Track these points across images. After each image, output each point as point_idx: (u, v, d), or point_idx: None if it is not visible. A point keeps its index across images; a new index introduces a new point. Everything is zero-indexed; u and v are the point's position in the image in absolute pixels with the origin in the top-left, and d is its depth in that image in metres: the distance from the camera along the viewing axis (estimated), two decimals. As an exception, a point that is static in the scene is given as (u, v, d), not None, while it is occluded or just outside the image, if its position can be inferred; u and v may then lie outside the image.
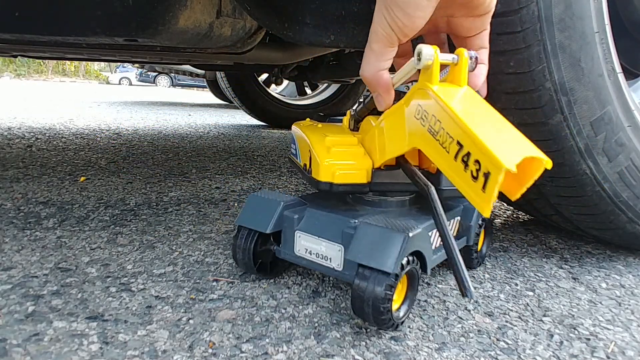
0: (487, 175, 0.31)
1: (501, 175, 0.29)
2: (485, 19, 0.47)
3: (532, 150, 0.31)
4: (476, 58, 0.40)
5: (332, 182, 0.48)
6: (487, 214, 0.32)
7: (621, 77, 0.56)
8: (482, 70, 0.45)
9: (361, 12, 0.61)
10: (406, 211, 0.53)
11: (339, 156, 0.49)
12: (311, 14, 0.61)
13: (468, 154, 0.33)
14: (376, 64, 0.44)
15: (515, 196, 0.32)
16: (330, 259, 0.47)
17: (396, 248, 0.41)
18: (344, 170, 0.48)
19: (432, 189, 0.42)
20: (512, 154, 0.30)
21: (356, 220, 0.47)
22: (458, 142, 0.34)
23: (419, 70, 0.40)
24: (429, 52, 0.38)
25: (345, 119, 0.58)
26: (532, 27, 0.51)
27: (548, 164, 0.30)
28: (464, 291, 0.37)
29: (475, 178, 0.32)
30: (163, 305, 0.47)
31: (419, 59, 0.38)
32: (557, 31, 0.51)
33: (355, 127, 0.55)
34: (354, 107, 0.56)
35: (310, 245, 0.49)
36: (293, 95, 2.84)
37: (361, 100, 0.54)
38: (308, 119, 0.63)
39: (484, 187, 0.31)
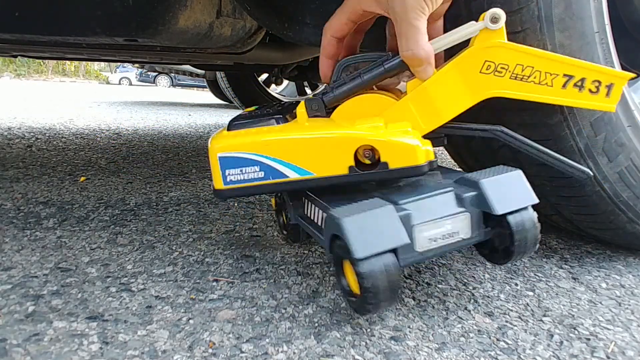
0: (610, 87, 0.48)
1: (625, 83, 0.48)
2: (445, 6, 0.50)
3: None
4: None
5: (430, 160, 0.46)
6: (613, 110, 0.49)
7: (621, 77, 0.56)
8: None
9: (361, 12, 0.61)
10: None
11: (416, 135, 0.47)
12: (311, 14, 0.61)
13: (582, 79, 0.48)
14: (424, 37, 0.46)
15: (613, 107, 0.49)
16: (457, 232, 0.45)
17: (526, 183, 0.46)
18: (429, 146, 0.47)
19: (503, 128, 0.50)
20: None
21: (448, 189, 0.46)
22: (565, 75, 0.48)
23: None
24: (504, 14, 0.46)
25: (301, 110, 0.51)
26: (532, 27, 0.51)
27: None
28: (576, 171, 0.49)
29: (595, 92, 0.48)
30: (163, 305, 0.47)
31: (495, 22, 0.46)
32: (557, 31, 0.51)
33: (326, 114, 0.51)
34: (316, 95, 0.52)
35: (432, 233, 0.44)
36: (293, 95, 2.83)
37: (325, 89, 0.52)
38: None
39: (607, 94, 0.48)
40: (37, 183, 0.96)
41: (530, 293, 0.55)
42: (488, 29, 0.47)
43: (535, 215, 0.46)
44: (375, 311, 0.41)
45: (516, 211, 0.45)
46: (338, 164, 0.46)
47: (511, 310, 0.50)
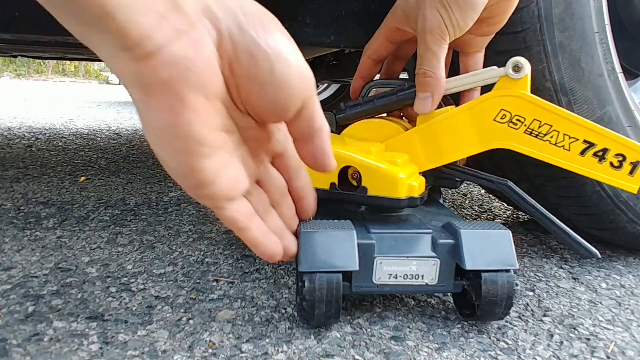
0: (636, 165, 0.45)
1: None
2: (486, 39, 0.47)
3: None
4: None
5: (412, 195, 0.45)
6: (635, 191, 0.45)
7: (621, 77, 0.56)
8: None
9: (361, 12, 0.61)
10: (414, 211, 0.51)
11: (406, 168, 0.46)
12: (311, 14, 0.61)
13: (605, 150, 0.45)
14: (439, 64, 0.44)
15: (635, 189, 0.46)
16: (422, 276, 0.43)
17: (511, 245, 0.43)
18: (416, 182, 0.45)
19: (509, 182, 0.48)
20: None
21: (427, 231, 0.45)
22: (585, 141, 0.45)
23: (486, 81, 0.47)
24: (528, 64, 0.44)
25: None
26: (532, 27, 0.51)
27: None
28: (587, 253, 0.44)
29: (617, 167, 0.45)
30: (163, 305, 0.47)
31: (517, 71, 0.44)
32: (557, 31, 0.51)
33: (336, 130, 0.53)
34: (336, 112, 0.53)
35: (395, 269, 0.43)
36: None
37: (345, 105, 0.53)
38: None
39: (631, 172, 0.45)
40: (37, 183, 0.96)
41: (530, 293, 0.55)
42: (509, 77, 0.45)
43: (513, 279, 0.42)
44: (312, 323, 0.43)
45: (492, 271, 0.42)
46: (322, 177, 0.47)
47: (511, 310, 0.50)
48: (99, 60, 1.90)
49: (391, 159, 0.46)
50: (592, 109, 0.54)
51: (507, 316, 0.49)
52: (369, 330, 0.44)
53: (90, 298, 0.47)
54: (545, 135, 0.45)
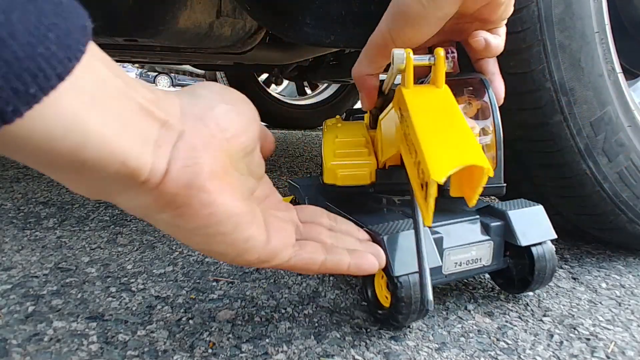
0: (426, 185, 0.29)
1: (434, 187, 0.28)
2: (498, 32, 0.43)
3: (469, 159, 0.28)
4: (453, 57, 0.38)
5: (335, 183, 0.48)
6: (428, 224, 0.31)
7: (621, 77, 0.56)
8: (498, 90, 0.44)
9: (361, 12, 0.61)
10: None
11: (343, 157, 0.49)
12: (311, 14, 0.61)
13: (418, 162, 0.31)
14: (364, 68, 0.44)
15: (471, 202, 0.31)
16: (480, 259, 0.47)
17: (546, 218, 0.48)
18: (347, 172, 0.48)
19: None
20: (448, 164, 0.28)
21: (475, 217, 0.48)
22: (415, 149, 0.32)
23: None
24: (400, 55, 0.36)
25: (366, 117, 0.56)
26: (532, 27, 0.51)
27: (489, 171, 0.28)
28: (423, 300, 0.37)
29: (422, 186, 0.31)
30: (163, 305, 0.47)
31: (392, 63, 0.36)
32: (557, 31, 0.51)
33: (374, 125, 0.53)
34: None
35: (459, 257, 0.46)
36: (293, 95, 2.83)
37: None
38: (337, 117, 0.61)
39: (425, 196, 0.29)
40: (37, 183, 0.96)
41: (530, 293, 0.55)
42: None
43: (553, 249, 0.47)
44: (405, 322, 0.43)
45: (538, 244, 0.47)
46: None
47: (511, 310, 0.50)
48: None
49: (345, 153, 0.49)
50: (592, 109, 0.54)
51: (507, 316, 0.49)
52: (369, 330, 0.44)
53: (90, 298, 0.47)
54: (407, 137, 0.36)
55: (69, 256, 0.58)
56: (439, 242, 0.44)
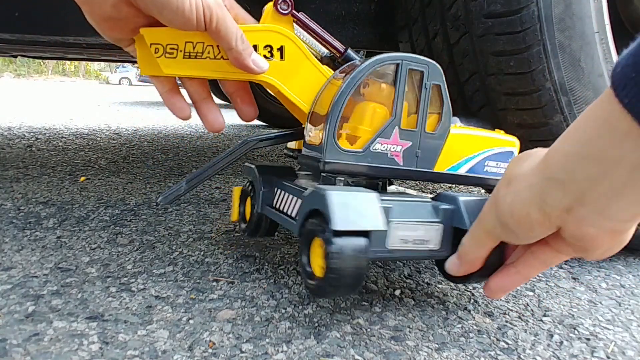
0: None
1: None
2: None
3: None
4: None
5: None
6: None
7: (621, 77, 0.56)
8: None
9: (361, 12, 0.61)
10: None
11: None
12: (311, 14, 0.61)
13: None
14: (472, 250, 0.42)
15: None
16: (428, 241, 0.45)
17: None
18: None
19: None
20: None
21: (427, 199, 0.47)
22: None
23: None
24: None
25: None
26: (532, 27, 0.51)
27: None
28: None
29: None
30: (163, 305, 0.47)
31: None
32: (557, 31, 0.51)
33: None
34: None
35: (406, 234, 0.44)
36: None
37: None
38: None
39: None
40: (37, 183, 0.96)
41: (530, 293, 0.55)
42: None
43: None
44: (333, 295, 0.41)
45: None
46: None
47: (511, 310, 0.50)
48: (99, 60, 1.90)
49: None
50: (592, 109, 0.54)
51: (507, 316, 0.49)
52: (369, 330, 0.44)
53: (90, 298, 0.47)
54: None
55: (69, 256, 0.58)
56: (387, 213, 0.42)
